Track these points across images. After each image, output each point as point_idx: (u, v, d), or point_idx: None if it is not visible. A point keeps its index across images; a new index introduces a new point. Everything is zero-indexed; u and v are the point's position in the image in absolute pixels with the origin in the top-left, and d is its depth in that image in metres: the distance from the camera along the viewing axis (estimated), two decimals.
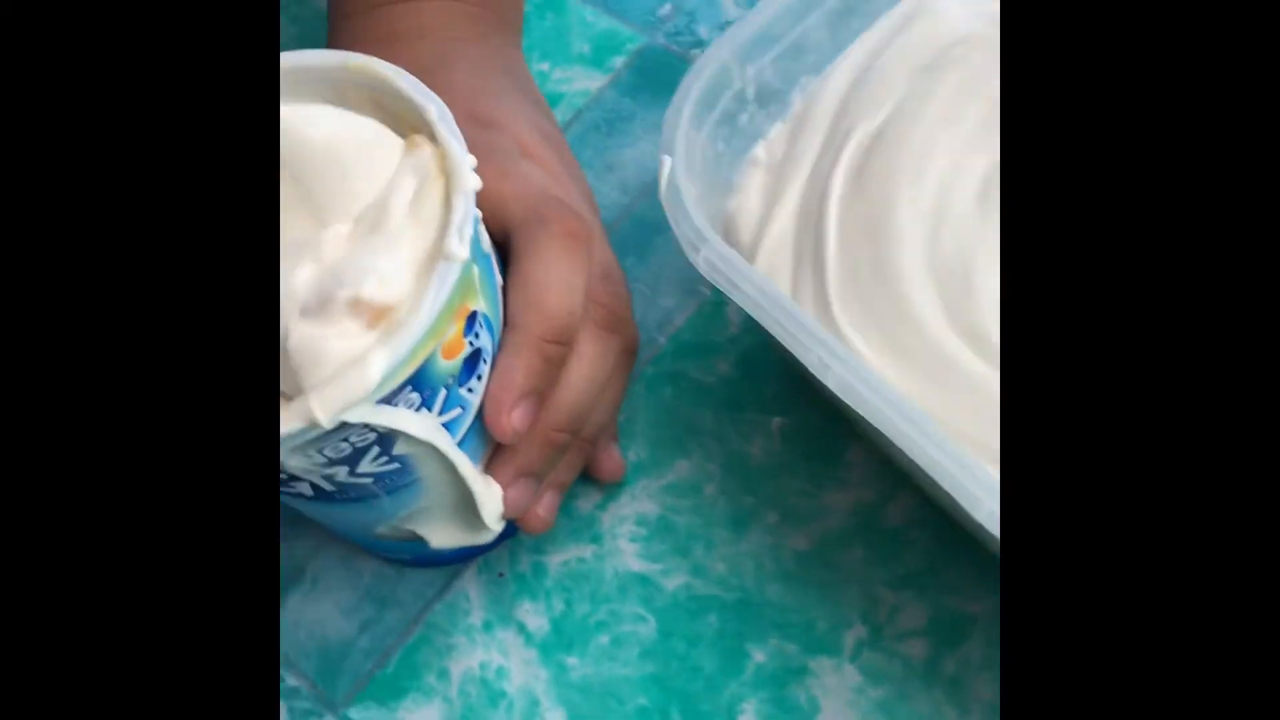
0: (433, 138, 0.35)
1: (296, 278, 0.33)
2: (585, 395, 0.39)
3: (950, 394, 0.34)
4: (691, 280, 0.47)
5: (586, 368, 0.38)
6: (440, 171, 0.35)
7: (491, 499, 0.38)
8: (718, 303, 0.46)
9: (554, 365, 0.37)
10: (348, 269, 0.33)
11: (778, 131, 0.40)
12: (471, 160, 0.34)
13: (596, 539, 0.43)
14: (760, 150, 0.40)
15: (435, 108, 0.35)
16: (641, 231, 0.49)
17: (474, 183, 0.34)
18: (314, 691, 0.42)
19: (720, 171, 0.38)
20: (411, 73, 0.41)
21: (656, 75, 0.52)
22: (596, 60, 0.53)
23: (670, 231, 0.49)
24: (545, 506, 0.40)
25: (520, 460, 0.38)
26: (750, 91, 0.39)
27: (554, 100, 0.52)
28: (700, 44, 0.53)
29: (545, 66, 0.54)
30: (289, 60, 0.37)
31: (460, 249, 0.33)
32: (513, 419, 0.36)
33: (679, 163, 0.36)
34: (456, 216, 0.33)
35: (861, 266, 0.36)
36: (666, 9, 0.54)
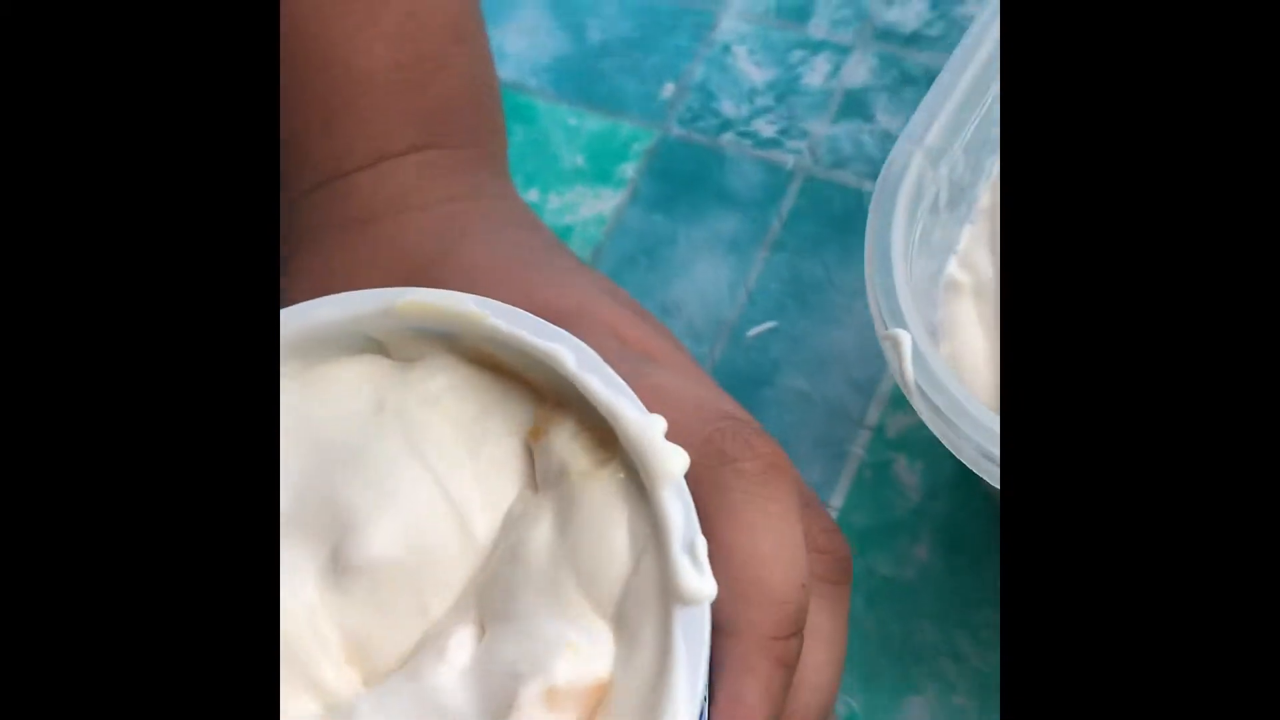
0: (554, 396, 0.23)
1: (445, 694, 0.20)
2: (830, 688, 0.27)
3: None
4: (833, 440, 0.36)
5: (825, 650, 0.27)
6: (595, 455, 0.22)
7: None
8: (879, 464, 0.35)
9: (792, 668, 0.25)
10: (516, 653, 0.21)
11: (969, 238, 0.29)
12: (660, 423, 0.22)
13: None
14: (956, 269, 0.29)
15: (570, 353, 0.23)
16: (739, 387, 0.37)
17: (680, 462, 0.22)
18: None
19: (922, 311, 0.27)
20: (411, 268, 0.29)
21: (686, 177, 0.40)
22: (599, 174, 0.41)
23: (783, 378, 0.38)
24: None
25: None
26: (944, 197, 0.27)
27: (561, 236, 0.40)
28: (728, 125, 0.41)
29: (534, 195, 0.41)
30: (301, 320, 0.24)
31: (701, 580, 0.21)
32: None
33: (916, 330, 0.24)
34: (676, 529, 0.21)
35: None
36: (669, 90, 0.42)
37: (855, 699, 0.32)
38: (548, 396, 0.23)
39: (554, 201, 0.41)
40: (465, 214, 0.33)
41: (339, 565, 0.23)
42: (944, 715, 0.31)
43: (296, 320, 0.24)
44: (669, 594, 0.21)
